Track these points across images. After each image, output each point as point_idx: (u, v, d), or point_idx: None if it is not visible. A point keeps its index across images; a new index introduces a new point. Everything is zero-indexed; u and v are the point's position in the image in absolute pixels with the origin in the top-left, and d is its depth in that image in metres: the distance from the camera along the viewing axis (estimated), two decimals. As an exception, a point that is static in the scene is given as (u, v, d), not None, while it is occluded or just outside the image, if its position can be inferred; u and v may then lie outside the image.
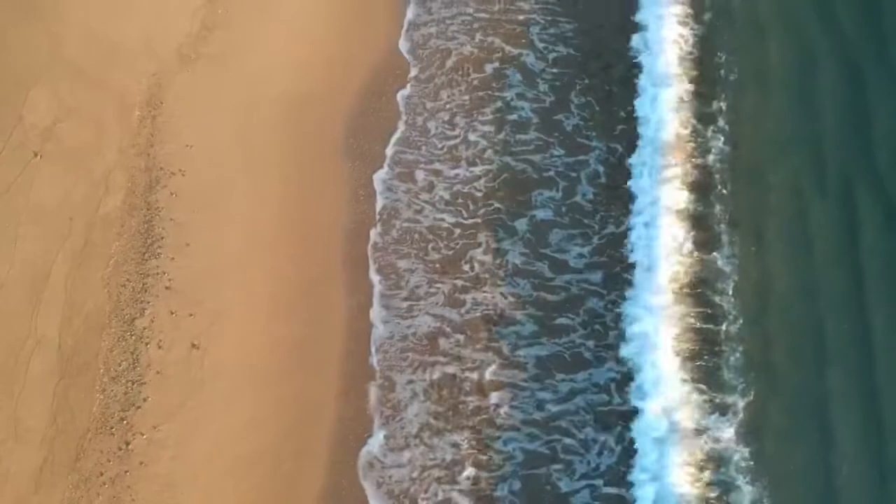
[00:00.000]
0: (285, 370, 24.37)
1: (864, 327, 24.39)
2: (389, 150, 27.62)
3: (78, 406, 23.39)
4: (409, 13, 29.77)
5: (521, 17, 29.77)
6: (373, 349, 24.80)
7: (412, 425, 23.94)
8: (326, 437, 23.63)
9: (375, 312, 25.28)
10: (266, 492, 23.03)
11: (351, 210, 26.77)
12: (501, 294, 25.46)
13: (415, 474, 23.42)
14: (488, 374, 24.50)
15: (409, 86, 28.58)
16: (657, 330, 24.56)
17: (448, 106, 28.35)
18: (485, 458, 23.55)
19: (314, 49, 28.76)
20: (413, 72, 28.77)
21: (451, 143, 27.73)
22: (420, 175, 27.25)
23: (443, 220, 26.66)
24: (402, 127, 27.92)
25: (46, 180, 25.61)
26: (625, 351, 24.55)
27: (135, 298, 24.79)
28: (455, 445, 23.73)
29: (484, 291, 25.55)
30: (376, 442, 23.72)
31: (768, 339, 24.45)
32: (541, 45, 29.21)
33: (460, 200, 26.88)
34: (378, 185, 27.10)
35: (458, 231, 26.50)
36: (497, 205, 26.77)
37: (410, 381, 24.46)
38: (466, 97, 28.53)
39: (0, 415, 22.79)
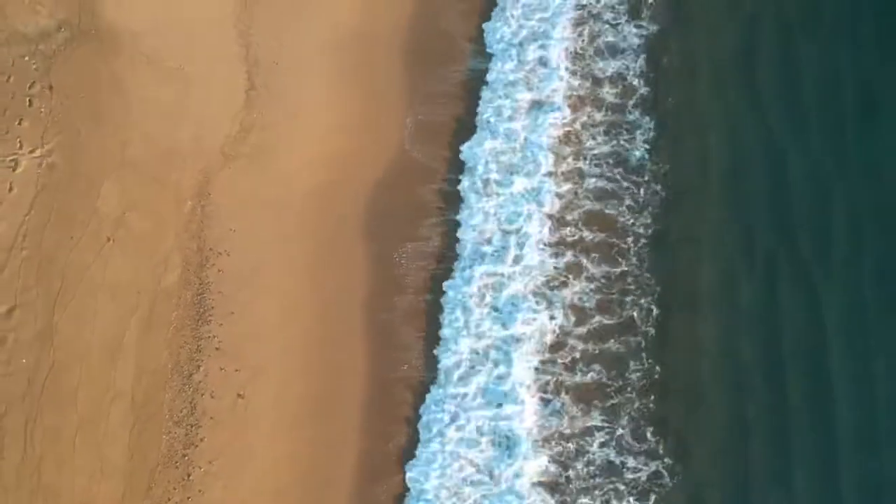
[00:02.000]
0: (315, 416, 29.76)
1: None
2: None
3: (149, 445, 28.95)
4: (408, 118, 34.16)
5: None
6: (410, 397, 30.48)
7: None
8: (349, 471, 29.17)
9: (415, 364, 30.75)
10: (301, 513, 28.62)
11: (371, 280, 31.50)
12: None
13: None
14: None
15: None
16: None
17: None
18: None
19: (335, 146, 33.29)
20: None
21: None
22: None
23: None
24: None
25: (118, 261, 30.85)
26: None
27: (191, 358, 30.13)
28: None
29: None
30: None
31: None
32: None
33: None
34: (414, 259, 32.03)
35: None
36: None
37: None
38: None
39: (89, 453, 28.46)
